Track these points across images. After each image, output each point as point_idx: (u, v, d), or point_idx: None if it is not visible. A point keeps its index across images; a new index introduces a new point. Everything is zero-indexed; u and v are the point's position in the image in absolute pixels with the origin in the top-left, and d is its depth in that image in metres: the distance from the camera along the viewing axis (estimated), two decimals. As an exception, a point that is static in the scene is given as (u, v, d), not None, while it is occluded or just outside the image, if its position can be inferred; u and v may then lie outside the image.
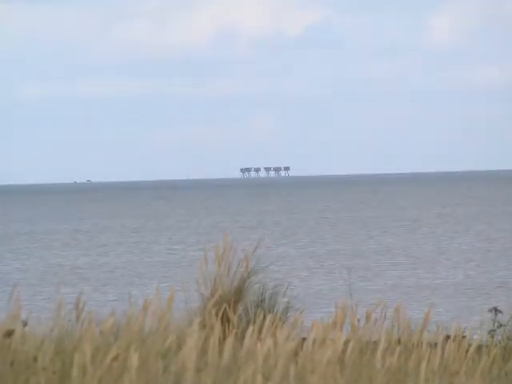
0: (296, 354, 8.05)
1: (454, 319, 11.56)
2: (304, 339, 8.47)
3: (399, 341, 9.06)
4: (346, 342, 8.43)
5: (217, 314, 9.74)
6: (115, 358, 7.31)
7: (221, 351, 7.73)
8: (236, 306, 11.20)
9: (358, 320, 9.98)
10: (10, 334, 7.58)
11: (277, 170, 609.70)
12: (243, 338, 8.07)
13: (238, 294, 11.37)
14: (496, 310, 12.70)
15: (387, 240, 70.60)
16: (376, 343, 8.71)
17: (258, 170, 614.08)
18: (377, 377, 8.09)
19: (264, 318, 8.94)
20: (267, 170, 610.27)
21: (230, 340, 7.75)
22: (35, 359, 7.42)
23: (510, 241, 65.73)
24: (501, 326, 12.45)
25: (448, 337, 9.24)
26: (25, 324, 8.16)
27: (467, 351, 9.01)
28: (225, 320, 10.15)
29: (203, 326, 8.81)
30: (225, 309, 10.46)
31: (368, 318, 9.91)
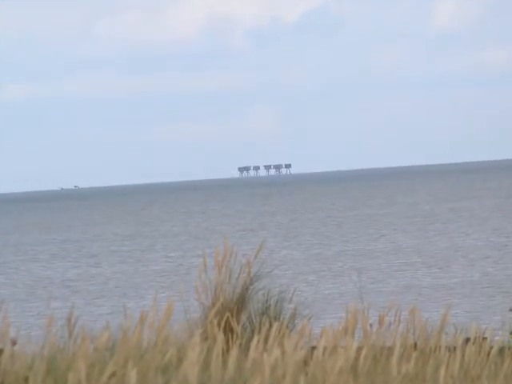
0: (305, 363, 8.04)
1: (473, 320, 11.56)
2: (313, 348, 8.46)
3: (415, 345, 9.06)
4: (359, 349, 8.42)
5: (219, 324, 9.74)
6: (112, 376, 7.30)
7: (225, 364, 7.72)
8: (239, 314, 11.19)
9: (371, 325, 9.96)
10: (-2, 353, 7.57)
11: (277, 167, 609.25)
12: (248, 348, 8.06)
13: (241, 301, 11.37)
14: (517, 309, 12.69)
15: (398, 238, 70.64)
16: (391, 349, 8.70)
17: (257, 168, 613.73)
18: (393, 385, 8.08)
19: (270, 326, 8.92)
20: (267, 168, 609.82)
21: (233, 351, 7.74)
22: (26, 380, 7.41)
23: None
24: (523, 325, 12.44)
25: (467, 339, 9.24)
26: (14, 342, 8.15)
27: (489, 354, 9.00)
28: (228, 330, 10.15)
29: (205, 337, 8.80)
30: (227, 318, 10.45)
31: (381, 322, 9.90)
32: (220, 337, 8.12)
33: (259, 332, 8.67)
